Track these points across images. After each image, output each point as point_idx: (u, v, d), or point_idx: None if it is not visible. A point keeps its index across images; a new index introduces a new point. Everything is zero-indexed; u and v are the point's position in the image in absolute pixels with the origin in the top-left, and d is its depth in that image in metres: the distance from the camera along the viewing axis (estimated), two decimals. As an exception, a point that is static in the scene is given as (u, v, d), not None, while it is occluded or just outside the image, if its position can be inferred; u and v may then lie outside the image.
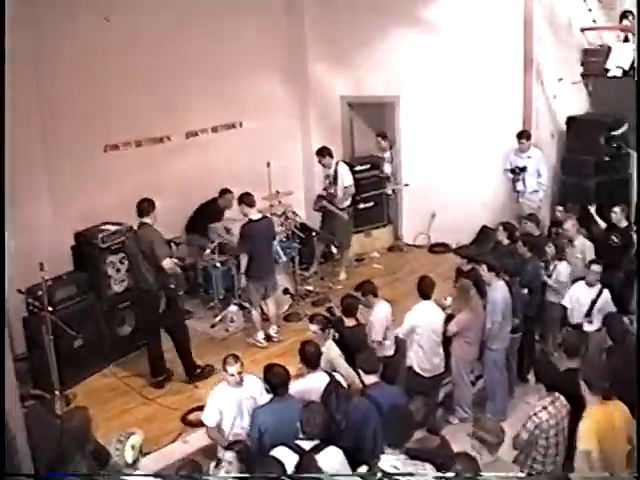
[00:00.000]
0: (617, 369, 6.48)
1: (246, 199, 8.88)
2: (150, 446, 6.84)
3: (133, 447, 5.17)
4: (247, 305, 9.35)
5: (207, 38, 10.18)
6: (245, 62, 10.68)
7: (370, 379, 6.38)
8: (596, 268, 8.17)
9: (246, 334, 9.29)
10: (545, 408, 5.95)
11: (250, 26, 10.68)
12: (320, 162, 10.80)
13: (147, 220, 8.03)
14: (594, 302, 8.10)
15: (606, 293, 8.15)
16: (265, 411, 6.07)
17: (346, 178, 10.73)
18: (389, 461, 4.98)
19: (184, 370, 8.33)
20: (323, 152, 10.72)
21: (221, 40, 10.32)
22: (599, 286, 8.17)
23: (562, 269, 8.69)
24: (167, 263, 7.95)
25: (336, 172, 10.72)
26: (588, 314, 8.11)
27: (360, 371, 6.50)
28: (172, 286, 8.23)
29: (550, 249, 8.79)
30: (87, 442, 5.50)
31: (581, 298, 8.22)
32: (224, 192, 10.19)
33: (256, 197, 9.14)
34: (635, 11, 10.49)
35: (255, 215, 8.89)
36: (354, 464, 5.45)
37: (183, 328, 8.45)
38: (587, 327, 8.09)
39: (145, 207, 8.03)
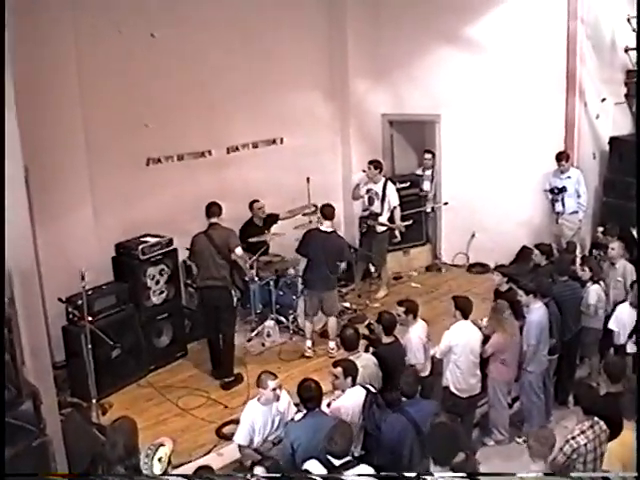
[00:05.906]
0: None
1: (326, 210, 9.19)
2: (184, 457, 6.90)
3: (160, 459, 5.17)
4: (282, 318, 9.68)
5: (250, 54, 10.24)
6: (287, 78, 10.72)
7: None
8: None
9: (281, 349, 9.33)
10: (583, 432, 5.85)
11: (293, 42, 10.73)
12: (367, 174, 10.65)
13: (216, 220, 8.45)
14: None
15: None
16: (298, 427, 6.06)
17: (394, 198, 10.67)
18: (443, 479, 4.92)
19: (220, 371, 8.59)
20: (376, 164, 10.66)
21: (264, 56, 10.37)
22: None
23: (592, 291, 8.52)
24: (239, 251, 8.45)
25: (384, 190, 10.64)
26: (631, 335, 7.93)
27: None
28: (246, 279, 8.95)
29: (584, 272, 8.61)
30: (134, 453, 5.36)
31: (625, 320, 8.06)
32: (253, 202, 10.17)
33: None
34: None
35: (325, 227, 9.10)
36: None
37: (233, 330, 8.76)
38: (630, 349, 7.90)
39: (214, 209, 8.50)
